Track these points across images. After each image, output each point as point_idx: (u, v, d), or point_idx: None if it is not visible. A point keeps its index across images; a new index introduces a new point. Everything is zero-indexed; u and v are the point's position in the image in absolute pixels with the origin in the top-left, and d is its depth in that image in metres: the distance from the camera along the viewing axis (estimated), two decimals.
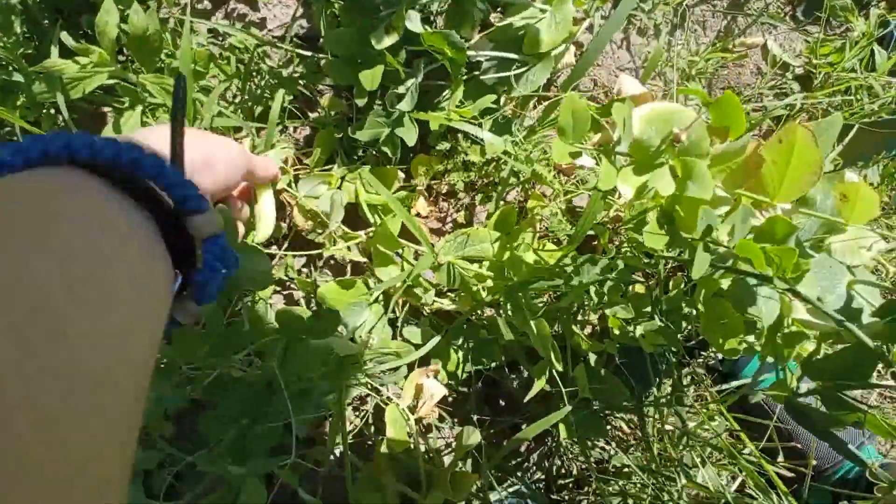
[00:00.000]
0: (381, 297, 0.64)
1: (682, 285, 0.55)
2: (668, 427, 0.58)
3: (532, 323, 0.49)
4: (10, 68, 0.64)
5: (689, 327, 0.59)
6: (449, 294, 0.66)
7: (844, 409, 0.28)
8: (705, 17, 0.89)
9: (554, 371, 0.50)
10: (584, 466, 0.59)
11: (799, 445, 0.60)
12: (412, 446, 0.48)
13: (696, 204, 0.30)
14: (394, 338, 0.64)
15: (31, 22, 0.66)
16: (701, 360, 0.67)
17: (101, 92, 0.66)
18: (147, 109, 0.66)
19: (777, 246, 0.26)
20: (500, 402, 0.69)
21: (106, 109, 0.74)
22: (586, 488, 0.59)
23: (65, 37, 0.55)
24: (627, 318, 0.48)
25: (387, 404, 0.51)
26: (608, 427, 0.69)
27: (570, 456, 0.65)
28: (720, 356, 0.71)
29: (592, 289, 0.46)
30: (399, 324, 0.64)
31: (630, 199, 0.30)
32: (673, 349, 0.57)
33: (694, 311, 0.52)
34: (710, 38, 0.89)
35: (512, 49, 0.58)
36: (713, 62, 0.86)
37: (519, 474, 0.59)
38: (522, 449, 0.71)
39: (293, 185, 0.64)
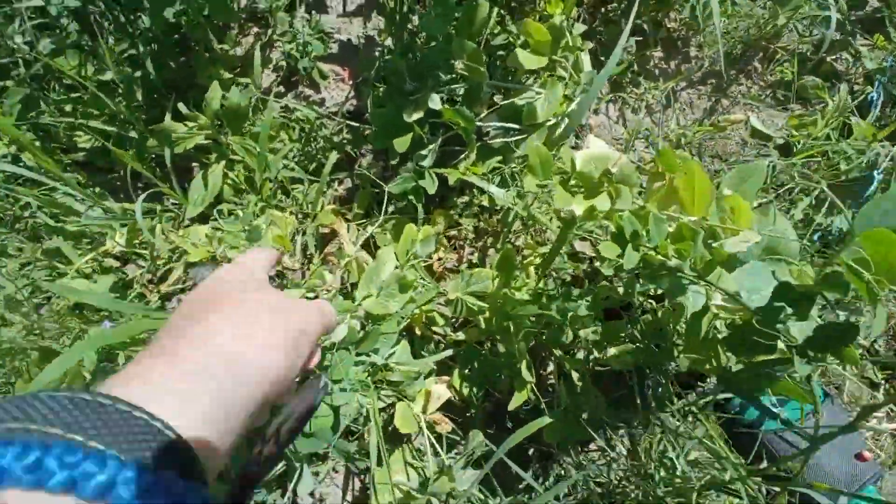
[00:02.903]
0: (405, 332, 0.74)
1: (668, 317, 0.62)
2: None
3: (516, 345, 0.58)
4: (128, 126, 0.84)
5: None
6: (461, 329, 0.76)
7: (761, 377, 0.35)
8: (691, 100, 1.04)
9: (534, 390, 0.57)
10: (586, 477, 0.63)
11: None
12: (419, 429, 0.55)
13: (645, 219, 0.41)
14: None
15: (147, 93, 0.87)
16: (700, 391, 0.71)
17: (193, 151, 0.86)
18: (229, 164, 0.84)
19: (684, 243, 0.36)
20: (508, 423, 0.75)
21: (194, 164, 0.94)
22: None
23: (181, 106, 0.74)
24: (597, 340, 0.56)
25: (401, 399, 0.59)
26: (613, 452, 0.72)
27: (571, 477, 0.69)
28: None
29: (570, 314, 0.55)
30: (418, 350, 0.74)
31: (579, 217, 0.41)
32: (658, 375, 0.63)
33: (676, 338, 0.59)
34: (697, 115, 1.03)
35: (514, 121, 0.73)
36: (700, 135, 0.98)
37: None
38: (529, 472, 0.75)
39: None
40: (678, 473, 0.49)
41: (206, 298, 0.29)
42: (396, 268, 0.59)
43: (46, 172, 0.75)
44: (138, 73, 0.87)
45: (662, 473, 0.50)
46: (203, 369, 0.24)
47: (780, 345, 0.36)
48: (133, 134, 0.85)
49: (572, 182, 0.42)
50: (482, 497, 0.57)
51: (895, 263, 0.28)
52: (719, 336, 0.41)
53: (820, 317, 0.37)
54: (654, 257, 0.41)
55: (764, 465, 0.53)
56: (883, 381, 0.81)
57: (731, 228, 0.37)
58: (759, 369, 0.36)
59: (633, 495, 0.54)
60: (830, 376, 0.79)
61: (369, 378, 0.62)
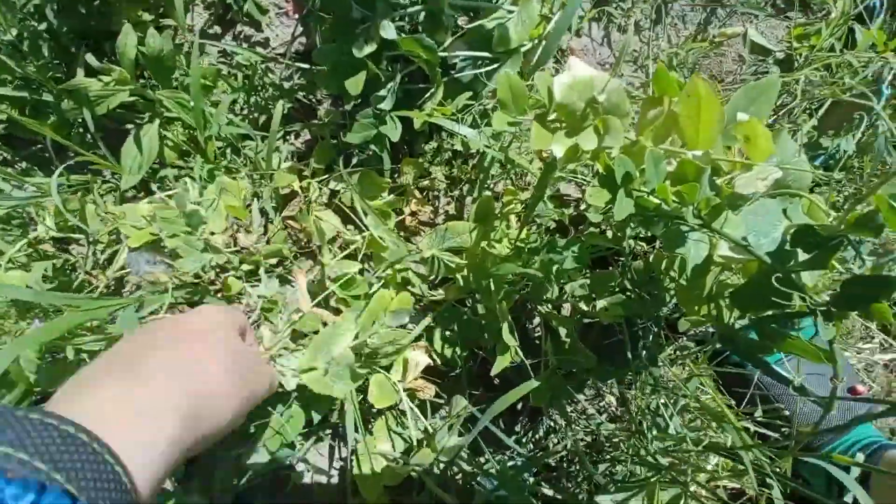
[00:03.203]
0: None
1: (662, 261, 0.57)
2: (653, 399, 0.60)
3: (497, 304, 0.52)
4: (41, 90, 0.73)
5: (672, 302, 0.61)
6: (440, 288, 0.70)
7: (769, 336, 0.31)
8: (684, 12, 0.93)
9: (518, 352, 0.53)
10: (575, 438, 0.61)
11: (787, 412, 0.60)
12: (398, 404, 0.52)
13: (638, 157, 0.34)
14: None
15: (59, 48, 0.75)
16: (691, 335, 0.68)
17: (123, 110, 0.74)
18: (164, 122, 0.73)
19: (687, 184, 0.29)
20: (496, 380, 0.72)
21: (129, 126, 0.83)
22: (577, 459, 0.61)
23: (90, 58, 0.63)
24: (583, 294, 0.51)
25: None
26: (601, 402, 0.70)
27: (561, 430, 0.67)
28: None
29: (555, 268, 0.50)
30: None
31: (561, 160, 0.34)
32: (650, 323, 0.59)
33: (670, 283, 0.55)
34: (691, 31, 0.92)
35: (484, 49, 0.63)
36: (694, 53, 0.89)
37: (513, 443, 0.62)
38: (518, 428, 0.73)
39: None
40: (671, 433, 0.46)
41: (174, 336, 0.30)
42: (355, 339, 0.51)
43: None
44: (43, 26, 0.74)
45: (655, 432, 0.47)
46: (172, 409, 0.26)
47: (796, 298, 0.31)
48: (48, 97, 0.73)
49: (552, 116, 0.34)
50: (466, 459, 0.55)
51: None
52: (723, 291, 0.36)
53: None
54: (649, 202, 0.35)
55: (758, 412, 0.51)
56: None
57: (746, 163, 0.30)
58: (767, 326, 0.32)
59: (623, 455, 0.52)
60: None
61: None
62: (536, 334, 0.75)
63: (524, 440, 0.71)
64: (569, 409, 0.68)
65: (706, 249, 0.33)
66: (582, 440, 0.68)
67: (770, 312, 0.31)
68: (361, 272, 0.67)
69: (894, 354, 0.70)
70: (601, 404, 0.71)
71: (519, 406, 0.73)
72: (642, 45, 0.91)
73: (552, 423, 0.69)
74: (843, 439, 0.61)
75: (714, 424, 0.48)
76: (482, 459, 0.60)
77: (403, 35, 0.59)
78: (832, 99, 0.69)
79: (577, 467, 0.59)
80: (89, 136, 0.76)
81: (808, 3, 0.90)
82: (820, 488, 0.67)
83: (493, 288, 0.51)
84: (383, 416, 0.65)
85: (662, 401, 0.49)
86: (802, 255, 0.34)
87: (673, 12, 0.92)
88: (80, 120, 0.76)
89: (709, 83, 0.31)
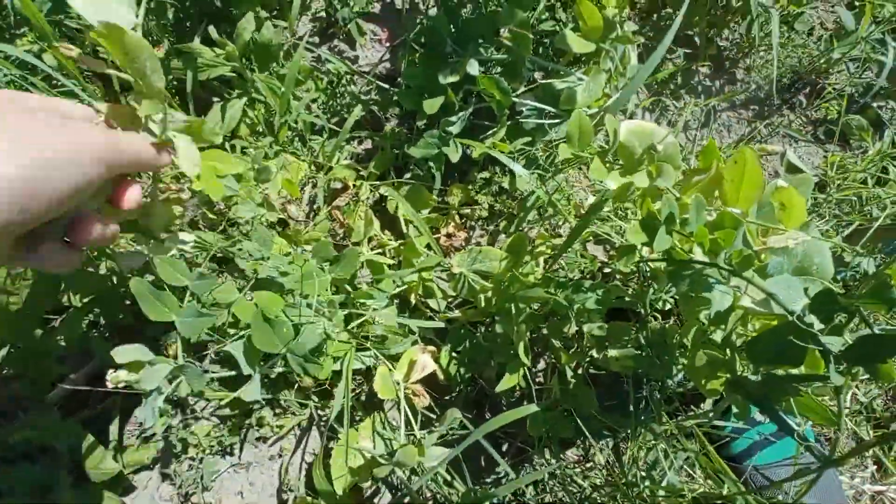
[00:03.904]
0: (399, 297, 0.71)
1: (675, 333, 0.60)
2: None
3: (517, 327, 0.55)
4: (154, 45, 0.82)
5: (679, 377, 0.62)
6: (456, 309, 0.73)
7: (778, 387, 0.32)
8: (730, 123, 1.01)
9: (526, 376, 0.55)
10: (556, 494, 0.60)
11: None
12: (397, 399, 0.53)
13: (681, 209, 0.38)
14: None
15: (179, 17, 0.85)
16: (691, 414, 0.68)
17: (217, 83, 0.83)
18: (248, 101, 0.81)
19: (724, 231, 0.33)
20: (487, 413, 0.72)
21: (215, 99, 0.91)
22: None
23: (211, 29, 0.71)
24: (601, 336, 0.53)
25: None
26: (587, 464, 0.69)
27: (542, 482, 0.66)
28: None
29: (577, 305, 0.52)
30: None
31: (611, 192, 0.38)
32: (656, 382, 0.60)
33: (681, 356, 0.57)
34: (734, 140, 1.00)
35: (550, 104, 0.70)
36: None
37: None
38: (499, 469, 0.72)
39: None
40: (666, 484, 0.46)
41: None
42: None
43: (67, 76, 0.72)
44: None
45: (648, 483, 0.47)
46: None
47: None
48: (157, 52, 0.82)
49: (610, 156, 0.39)
50: (447, 478, 0.54)
51: None
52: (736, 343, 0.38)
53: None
54: (680, 252, 0.38)
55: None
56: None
57: (778, 228, 0.34)
58: (778, 381, 0.34)
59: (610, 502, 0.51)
60: (824, 427, 0.76)
61: (350, 326, 0.59)
62: (538, 380, 0.76)
63: (503, 482, 0.70)
64: (553, 462, 0.67)
65: (730, 300, 0.36)
66: (561, 500, 0.66)
67: (782, 372, 0.33)
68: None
69: (882, 487, 0.69)
70: (587, 465, 0.70)
71: (505, 447, 0.72)
72: (688, 142, 0.98)
73: (535, 469, 0.68)
74: None
75: (711, 483, 0.47)
76: (460, 483, 0.59)
77: (484, 75, 0.66)
78: (859, 223, 0.73)
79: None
80: (177, 98, 0.85)
81: (847, 139, 0.97)
82: None
83: (514, 311, 0.54)
84: (371, 417, 0.65)
85: (662, 446, 0.49)
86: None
87: (720, 120, 1.01)
88: (173, 82, 0.84)
89: (753, 151, 0.35)
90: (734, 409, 0.49)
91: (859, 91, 0.98)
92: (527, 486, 0.69)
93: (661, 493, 0.45)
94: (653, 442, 0.51)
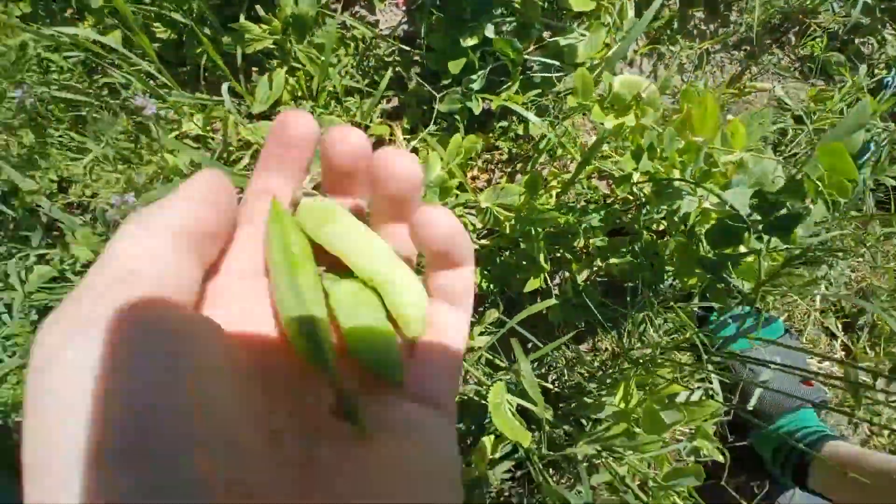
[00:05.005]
0: None
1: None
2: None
3: (536, 243, 0.69)
4: (201, 25, 0.92)
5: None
6: (484, 239, 0.87)
7: (725, 259, 0.46)
8: (723, 63, 1.09)
9: (546, 280, 0.69)
10: (578, 371, 0.76)
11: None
12: None
13: (661, 141, 0.50)
14: None
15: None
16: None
17: (259, 55, 0.93)
18: (290, 71, 0.92)
19: (688, 155, 0.46)
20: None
21: (254, 69, 1.02)
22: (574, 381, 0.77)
23: (258, 7, 0.81)
24: (603, 246, 0.67)
25: None
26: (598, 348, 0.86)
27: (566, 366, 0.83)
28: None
29: (584, 225, 0.66)
30: None
31: (609, 130, 0.50)
32: (650, 292, 0.75)
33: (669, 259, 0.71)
34: (726, 79, 1.09)
35: (556, 59, 0.81)
36: (726, 97, 1.05)
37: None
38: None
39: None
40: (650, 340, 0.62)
41: None
42: (441, 170, 0.69)
43: (133, 51, 0.84)
44: None
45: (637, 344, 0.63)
46: None
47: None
48: (207, 31, 0.92)
49: (607, 103, 0.51)
50: (490, 358, 0.71)
51: (843, 170, 0.38)
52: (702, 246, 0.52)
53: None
54: (661, 174, 0.51)
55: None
56: (841, 333, 0.94)
57: (727, 149, 0.46)
58: (726, 256, 0.47)
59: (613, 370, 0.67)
60: (794, 320, 0.92)
61: None
62: (555, 293, 0.91)
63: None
64: (568, 352, 0.84)
65: (696, 204, 0.49)
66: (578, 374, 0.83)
67: (729, 250, 0.47)
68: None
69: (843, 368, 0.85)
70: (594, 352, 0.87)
71: (529, 345, 0.89)
72: (683, 83, 1.08)
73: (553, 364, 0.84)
74: (791, 425, 0.76)
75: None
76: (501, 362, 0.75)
77: (498, 37, 0.77)
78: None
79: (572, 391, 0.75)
80: (225, 70, 0.96)
81: (830, 74, 1.06)
82: (767, 457, 0.81)
83: (534, 232, 0.68)
84: None
85: (647, 313, 0.65)
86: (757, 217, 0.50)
87: (713, 61, 1.09)
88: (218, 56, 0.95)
89: (713, 94, 0.47)
90: (713, 302, 0.64)
91: (843, 29, 1.06)
92: (546, 376, 0.86)
93: (649, 350, 0.60)
94: (642, 318, 0.67)
